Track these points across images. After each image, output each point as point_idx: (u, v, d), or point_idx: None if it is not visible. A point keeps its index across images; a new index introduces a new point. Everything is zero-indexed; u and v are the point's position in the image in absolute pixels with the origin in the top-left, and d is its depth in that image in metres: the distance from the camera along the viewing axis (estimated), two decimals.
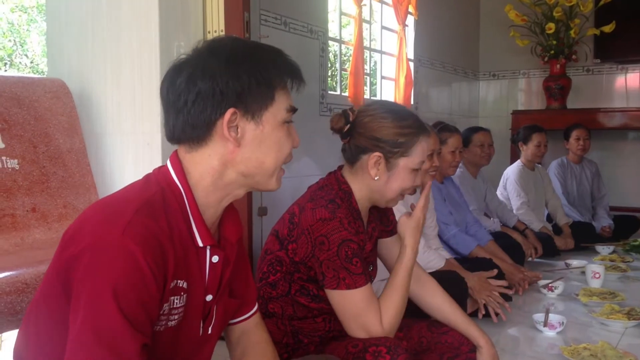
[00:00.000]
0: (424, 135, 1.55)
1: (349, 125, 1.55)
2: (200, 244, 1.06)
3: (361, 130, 1.54)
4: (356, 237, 1.47)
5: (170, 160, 1.09)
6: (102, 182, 2.26)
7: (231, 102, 1.03)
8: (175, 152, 1.10)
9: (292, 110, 1.11)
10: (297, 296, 1.53)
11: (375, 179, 1.53)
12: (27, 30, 8.60)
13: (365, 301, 1.45)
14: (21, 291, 1.47)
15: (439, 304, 1.71)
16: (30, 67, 8.52)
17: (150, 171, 1.11)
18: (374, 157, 1.52)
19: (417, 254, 1.58)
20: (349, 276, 1.44)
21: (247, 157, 1.07)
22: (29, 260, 1.65)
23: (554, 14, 5.26)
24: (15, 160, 1.96)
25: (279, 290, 1.54)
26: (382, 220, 1.71)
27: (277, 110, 1.07)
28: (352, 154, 1.56)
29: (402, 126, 1.52)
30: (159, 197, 1.02)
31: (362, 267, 1.46)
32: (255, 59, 1.06)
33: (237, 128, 1.04)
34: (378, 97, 4.76)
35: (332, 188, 1.55)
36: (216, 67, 1.02)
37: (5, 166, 1.93)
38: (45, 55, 8.42)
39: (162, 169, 1.09)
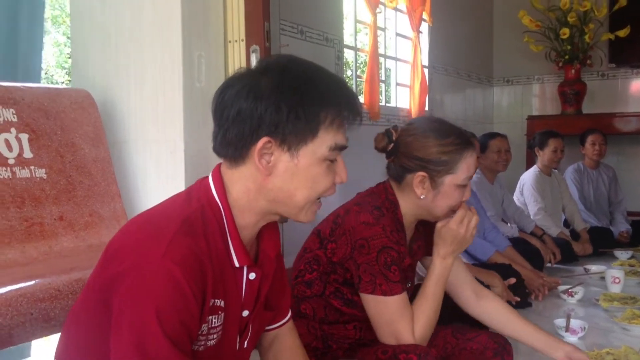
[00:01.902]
0: (468, 151, 1.52)
1: (392, 145, 1.54)
2: (237, 265, 1.06)
3: (404, 149, 1.53)
4: (397, 246, 1.47)
5: (212, 175, 1.09)
6: (126, 190, 2.29)
7: (267, 130, 1.00)
8: (219, 166, 1.10)
9: (339, 148, 1.06)
10: (331, 298, 1.54)
11: (422, 197, 1.51)
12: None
13: (400, 309, 1.45)
14: (54, 298, 1.50)
15: (506, 320, 1.70)
16: (44, 79, 8.62)
17: (192, 183, 1.12)
18: (418, 177, 1.50)
19: (450, 266, 1.56)
20: (385, 283, 1.44)
21: (279, 187, 1.04)
22: (59, 268, 1.68)
23: (568, 19, 5.26)
24: (43, 170, 2.00)
25: (314, 289, 1.55)
26: (431, 240, 1.66)
27: (317, 146, 1.03)
28: (397, 173, 1.55)
29: (445, 144, 1.50)
30: (198, 215, 1.02)
31: (400, 276, 1.46)
32: (303, 91, 1.01)
33: (271, 156, 1.02)
34: (393, 104, 4.78)
35: (380, 196, 1.56)
36: (263, 89, 1.00)
37: (34, 176, 1.96)
38: (59, 66, 8.53)
39: (204, 183, 1.08)
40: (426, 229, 1.68)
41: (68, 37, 6.84)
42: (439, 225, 1.55)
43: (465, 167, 1.51)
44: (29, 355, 2.37)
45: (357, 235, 1.46)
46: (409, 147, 1.52)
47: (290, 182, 1.03)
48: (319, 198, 1.08)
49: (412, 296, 1.56)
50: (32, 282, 1.51)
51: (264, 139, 1.00)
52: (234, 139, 1.02)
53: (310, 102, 1.01)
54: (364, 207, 1.51)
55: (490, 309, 1.72)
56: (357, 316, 1.55)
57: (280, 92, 0.99)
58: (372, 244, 1.45)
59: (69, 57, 7.01)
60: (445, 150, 1.50)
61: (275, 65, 1.04)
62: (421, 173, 1.50)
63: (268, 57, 1.09)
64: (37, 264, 1.77)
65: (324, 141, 1.03)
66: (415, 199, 1.54)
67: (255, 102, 0.99)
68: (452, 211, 1.55)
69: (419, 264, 1.76)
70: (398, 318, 1.45)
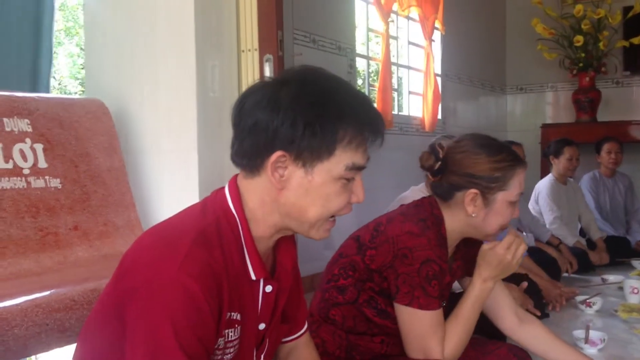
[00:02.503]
0: (520, 167, 1.51)
1: (439, 162, 1.51)
2: (254, 278, 1.04)
3: (454, 167, 1.50)
4: (439, 261, 1.44)
5: (228, 186, 1.07)
6: (140, 200, 2.29)
7: (281, 144, 0.97)
8: (235, 177, 1.08)
9: (357, 168, 1.02)
10: (364, 306, 1.51)
11: (473, 215, 1.49)
12: (54, 52, 8.80)
13: (433, 326, 1.43)
14: (69, 308, 1.49)
15: (550, 347, 1.67)
16: (57, 89, 8.69)
17: (208, 195, 1.10)
18: (470, 194, 1.47)
19: (490, 290, 1.52)
20: (423, 296, 1.41)
21: (292, 202, 1.01)
22: (74, 278, 1.68)
23: (582, 26, 5.23)
24: (58, 180, 2.00)
25: (347, 296, 1.52)
26: (473, 262, 1.60)
27: (334, 165, 0.99)
28: (446, 191, 1.52)
29: (498, 160, 1.48)
30: (214, 227, 1.00)
31: (439, 291, 1.43)
32: (322, 106, 0.97)
33: (286, 170, 0.99)
34: (405, 113, 4.76)
35: (425, 210, 1.52)
36: (281, 101, 0.97)
37: (49, 185, 1.96)
38: (72, 77, 8.60)
39: (220, 194, 1.06)
40: (467, 249, 1.65)
41: (81, 48, 6.91)
42: (485, 247, 1.51)
43: (517, 183, 1.50)
44: None
45: (401, 244, 1.43)
46: (459, 165, 1.49)
47: (304, 199, 1.01)
48: (333, 216, 1.06)
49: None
50: (47, 293, 1.51)
51: (278, 153, 0.97)
52: (249, 149, 1.00)
53: (329, 119, 0.97)
54: (409, 218, 1.48)
55: (534, 334, 1.68)
56: (388, 329, 1.51)
57: (297, 106, 0.96)
58: (415, 255, 1.42)
59: (82, 68, 7.08)
60: (498, 166, 1.48)
61: (296, 77, 1.01)
62: (473, 190, 1.47)
63: (291, 68, 1.05)
64: (52, 273, 1.77)
65: (340, 160, 0.99)
66: (464, 216, 1.51)
67: (272, 114, 0.96)
68: (502, 228, 1.53)
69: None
70: (431, 334, 1.42)
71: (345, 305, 1.52)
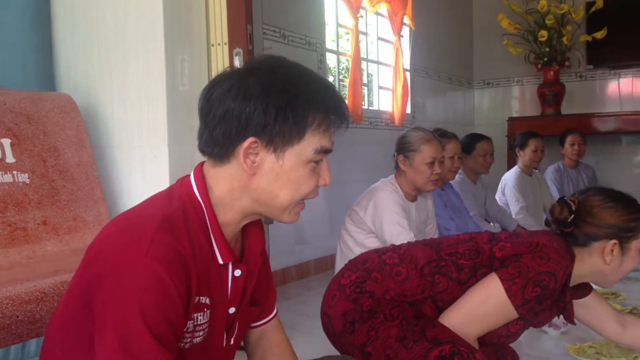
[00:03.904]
0: None
1: (573, 215, 1.60)
2: (221, 262, 1.06)
3: (590, 219, 1.59)
4: (557, 285, 1.50)
5: (193, 173, 1.08)
6: (110, 194, 2.29)
7: (254, 130, 1.00)
8: (201, 164, 1.09)
9: (324, 151, 1.05)
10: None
11: (610, 263, 1.59)
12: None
13: (493, 312, 1.48)
14: (40, 300, 1.50)
15: None
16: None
17: (174, 182, 1.11)
18: (610, 244, 1.57)
19: None
20: (519, 289, 1.47)
21: (262, 187, 1.04)
22: (44, 271, 1.67)
23: (546, 21, 5.34)
24: (26, 175, 1.99)
25: (461, 275, 1.56)
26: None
27: (303, 149, 1.03)
28: (581, 240, 1.60)
29: (632, 211, 1.60)
30: (180, 213, 1.01)
31: (533, 299, 1.48)
32: (292, 93, 1.00)
33: (257, 156, 1.02)
34: (375, 107, 4.82)
35: (565, 246, 1.59)
36: (252, 90, 0.99)
37: (17, 180, 1.95)
38: None
39: (185, 181, 1.08)
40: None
41: None
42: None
43: None
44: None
45: (545, 250, 1.51)
46: (596, 217, 1.59)
47: (275, 183, 1.03)
48: (302, 200, 1.09)
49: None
50: (17, 285, 1.51)
51: (250, 139, 1.00)
52: (220, 137, 1.02)
53: (299, 104, 1.00)
54: (557, 241, 1.57)
55: (638, 335, 1.81)
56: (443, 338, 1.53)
57: (268, 93, 0.99)
58: (549, 264, 1.48)
59: None
60: (633, 217, 1.60)
61: (263, 66, 1.03)
62: (613, 241, 1.57)
63: (256, 57, 1.09)
64: (21, 267, 1.77)
65: (310, 144, 1.03)
66: (597, 264, 1.60)
67: (244, 102, 0.99)
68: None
69: None
70: (485, 315, 1.48)
71: (455, 282, 1.56)
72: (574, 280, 1.63)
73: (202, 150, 1.08)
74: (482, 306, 1.49)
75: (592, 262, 1.61)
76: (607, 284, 1.68)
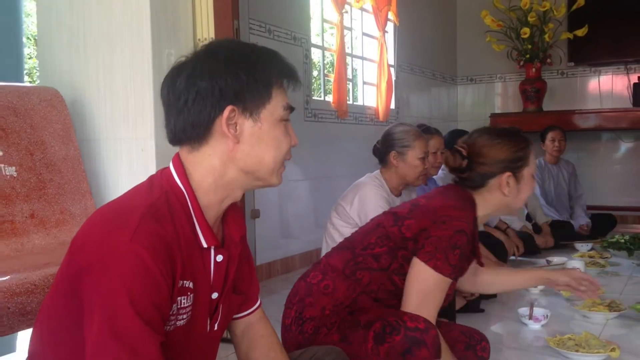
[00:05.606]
0: (531, 144, 1.73)
1: (466, 160, 1.68)
2: (205, 245, 1.09)
3: (482, 159, 1.67)
4: (470, 236, 1.57)
5: (172, 163, 1.12)
6: (97, 188, 2.29)
7: (230, 99, 1.06)
8: (177, 154, 1.13)
9: (289, 108, 1.14)
10: (394, 274, 1.61)
11: (508, 195, 1.67)
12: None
13: (437, 289, 1.54)
14: (30, 292, 1.51)
15: (497, 281, 1.94)
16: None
17: (154, 173, 1.14)
18: (505, 177, 1.66)
19: None
20: (443, 260, 1.52)
21: (247, 154, 1.09)
22: (33, 264, 1.68)
23: (529, 19, 5.41)
24: (13, 168, 1.99)
25: (381, 263, 1.62)
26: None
27: (274, 108, 1.10)
28: (478, 182, 1.68)
29: (518, 142, 1.69)
30: (163, 201, 1.04)
31: (458, 262, 1.54)
32: (253, 59, 1.09)
33: (236, 125, 1.07)
34: (360, 103, 4.85)
35: (464, 193, 1.68)
36: (215, 67, 1.06)
37: (4, 173, 1.95)
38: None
39: (165, 172, 1.11)
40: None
41: (28, 38, 6.70)
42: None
43: (533, 156, 1.72)
44: (14, 350, 2.35)
45: (442, 212, 1.58)
46: (486, 156, 1.68)
47: (258, 147, 1.09)
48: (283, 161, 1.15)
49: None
50: (7, 277, 1.51)
51: (229, 108, 1.06)
52: (197, 119, 1.07)
53: (262, 66, 1.08)
54: (451, 196, 1.66)
55: (484, 279, 1.92)
56: None
57: (233, 63, 1.07)
58: (453, 224, 1.55)
59: (29, 58, 6.87)
60: (519, 147, 1.69)
61: (216, 46, 1.12)
62: (507, 173, 1.66)
63: (205, 43, 1.17)
64: (10, 260, 1.77)
65: (278, 102, 1.10)
66: (498, 199, 1.69)
67: (212, 78, 1.05)
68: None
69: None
70: (430, 297, 1.54)
71: (378, 271, 1.62)
72: (483, 219, 1.75)
73: (177, 139, 1.11)
74: (423, 292, 1.55)
75: (493, 198, 1.69)
76: (514, 211, 1.81)
